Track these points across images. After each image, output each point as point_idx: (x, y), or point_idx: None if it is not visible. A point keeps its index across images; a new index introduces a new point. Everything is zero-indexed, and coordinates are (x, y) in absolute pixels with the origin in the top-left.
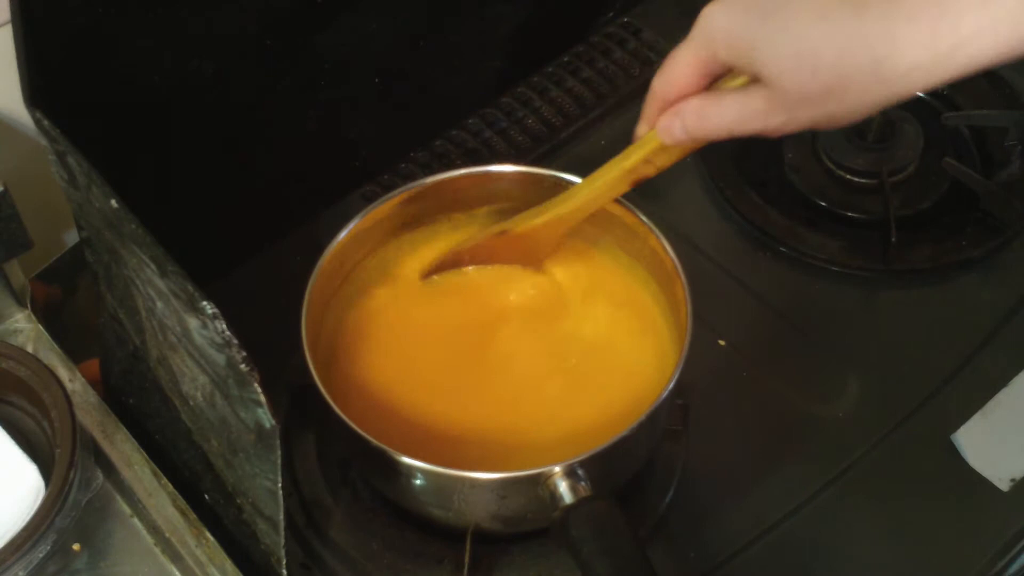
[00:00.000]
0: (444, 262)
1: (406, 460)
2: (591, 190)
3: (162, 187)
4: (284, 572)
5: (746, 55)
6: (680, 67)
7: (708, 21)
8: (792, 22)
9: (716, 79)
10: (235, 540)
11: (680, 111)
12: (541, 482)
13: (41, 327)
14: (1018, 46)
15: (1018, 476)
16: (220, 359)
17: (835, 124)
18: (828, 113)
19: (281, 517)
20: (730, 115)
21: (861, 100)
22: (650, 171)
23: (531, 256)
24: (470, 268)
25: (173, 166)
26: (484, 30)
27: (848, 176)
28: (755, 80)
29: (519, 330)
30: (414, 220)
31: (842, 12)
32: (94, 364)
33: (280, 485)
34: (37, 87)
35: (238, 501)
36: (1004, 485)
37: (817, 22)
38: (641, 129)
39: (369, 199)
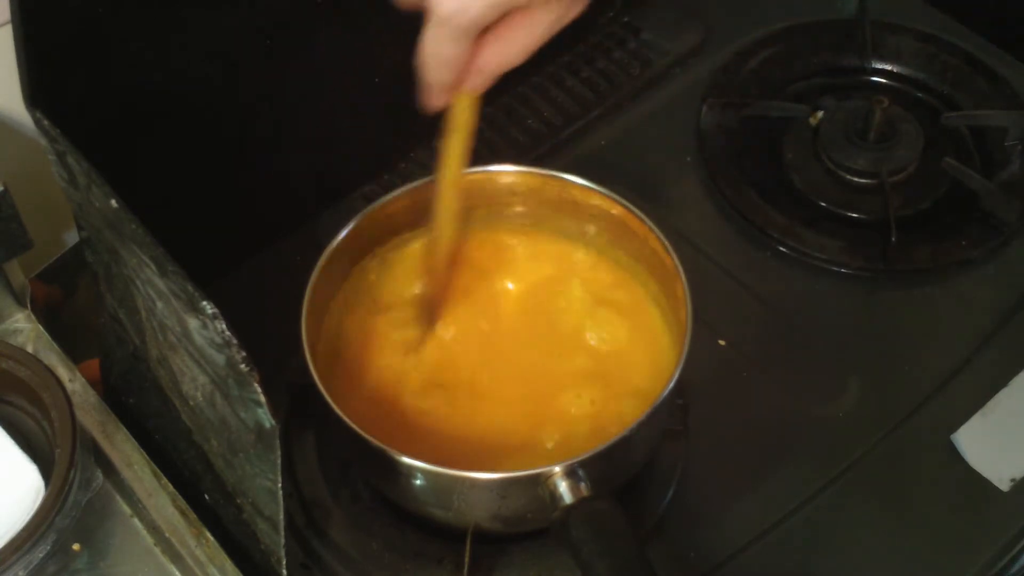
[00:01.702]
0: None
1: (406, 460)
2: (455, 168)
3: (162, 187)
4: (284, 572)
5: None
6: (446, 58)
7: None
8: None
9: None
10: (235, 540)
11: (481, 69)
12: (541, 482)
13: (41, 327)
14: None
15: (1018, 476)
16: (220, 359)
17: None
18: None
19: (281, 517)
20: (528, 43)
21: None
22: (476, 117)
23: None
24: (468, 271)
25: (173, 166)
26: None
27: (848, 176)
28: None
29: (518, 330)
30: (414, 220)
31: None
32: (94, 364)
33: (280, 485)
34: (37, 87)
35: (238, 501)
36: (1004, 485)
37: None
38: (437, 103)
39: (369, 199)
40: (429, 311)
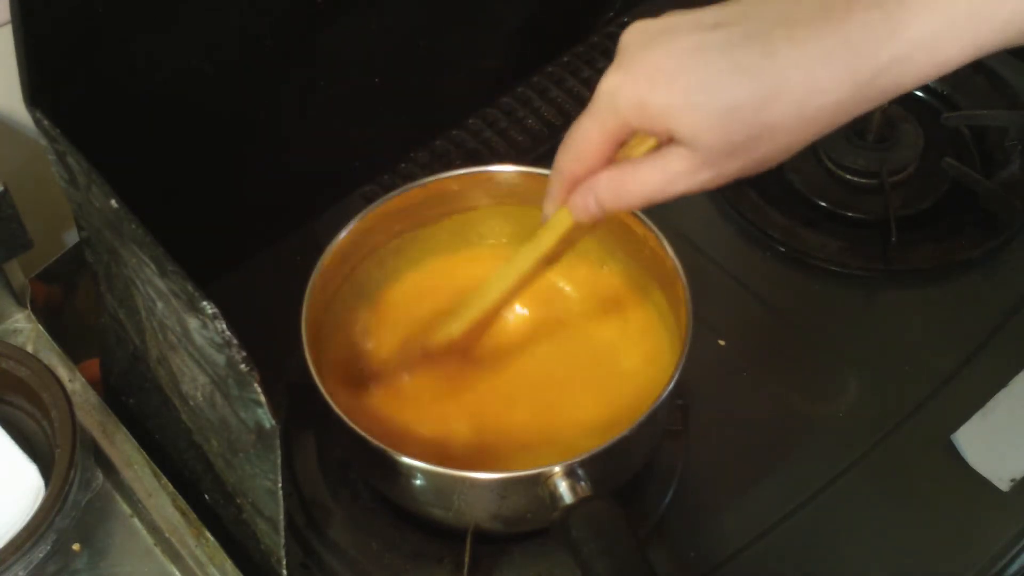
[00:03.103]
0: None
1: (406, 460)
2: (507, 283)
3: (162, 187)
4: (284, 572)
5: (660, 120)
6: (587, 141)
7: (611, 93)
8: (704, 80)
9: (623, 145)
10: (235, 540)
11: (593, 187)
12: (541, 482)
13: (41, 327)
14: (939, 70)
15: (1018, 476)
16: (220, 359)
17: (765, 167)
18: (757, 159)
19: (281, 517)
20: (651, 183)
21: (789, 142)
22: (566, 248)
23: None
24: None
25: (173, 166)
26: (484, 30)
27: (848, 176)
28: (668, 141)
29: (519, 330)
30: (414, 220)
31: (752, 58)
32: (94, 364)
33: (280, 485)
34: (37, 87)
35: (238, 501)
36: (1004, 485)
37: (731, 75)
38: (549, 208)
39: (369, 199)
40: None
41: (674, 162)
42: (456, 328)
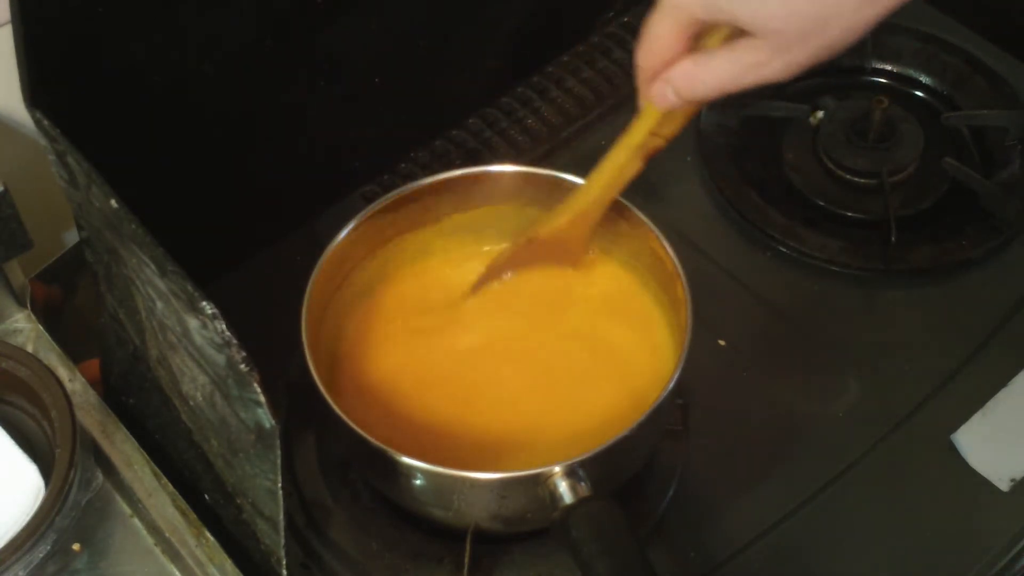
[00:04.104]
0: (486, 276)
1: (406, 460)
2: (606, 176)
3: (162, 187)
4: (284, 572)
5: (727, 11)
6: (659, 35)
7: None
8: None
9: (698, 37)
10: (235, 540)
11: (669, 77)
12: (541, 482)
13: (41, 327)
14: None
15: (1018, 476)
16: (220, 359)
17: (835, 51)
18: (826, 44)
19: (281, 517)
20: (722, 74)
21: (855, 21)
22: (659, 143)
23: (565, 256)
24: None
25: (173, 166)
26: (484, 30)
27: (848, 176)
28: (739, 32)
29: (519, 330)
30: (415, 220)
31: None
32: (94, 364)
33: (280, 485)
34: (37, 87)
35: (238, 501)
36: (1004, 485)
37: None
38: (641, 103)
39: (369, 199)
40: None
41: (745, 54)
42: (561, 220)
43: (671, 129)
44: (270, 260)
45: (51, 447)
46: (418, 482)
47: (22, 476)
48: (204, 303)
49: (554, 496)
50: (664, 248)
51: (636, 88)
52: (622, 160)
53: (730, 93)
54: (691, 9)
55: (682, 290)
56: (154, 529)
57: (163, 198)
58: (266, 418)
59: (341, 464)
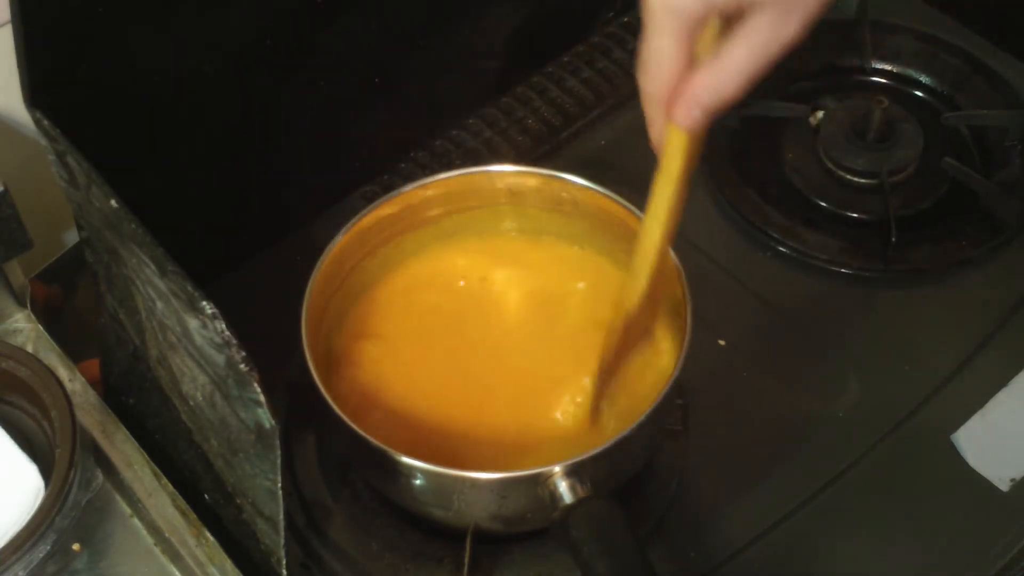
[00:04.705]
0: (600, 381)
1: (406, 460)
2: (662, 222)
3: (162, 187)
4: (284, 572)
5: None
6: (660, 50)
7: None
8: None
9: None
10: (235, 540)
11: (692, 96)
12: (541, 482)
13: (41, 327)
14: None
15: (1018, 476)
16: (220, 359)
17: None
18: None
19: (281, 517)
20: (742, 62)
21: None
22: (694, 165)
23: (650, 322)
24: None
25: (173, 166)
26: (484, 30)
27: (848, 176)
28: (736, 16)
29: (519, 330)
30: (414, 220)
31: None
32: (94, 364)
33: (280, 485)
34: (37, 87)
35: (238, 501)
36: (1004, 485)
37: None
38: (655, 134)
39: (369, 199)
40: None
41: (754, 32)
42: (641, 285)
43: (699, 147)
44: (270, 260)
45: (51, 447)
46: (418, 482)
47: (22, 476)
48: (204, 303)
49: (554, 496)
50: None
51: (647, 120)
52: (672, 195)
53: (756, 79)
54: (687, 9)
55: (682, 290)
56: (154, 529)
57: (163, 198)
58: (266, 418)
59: (341, 464)
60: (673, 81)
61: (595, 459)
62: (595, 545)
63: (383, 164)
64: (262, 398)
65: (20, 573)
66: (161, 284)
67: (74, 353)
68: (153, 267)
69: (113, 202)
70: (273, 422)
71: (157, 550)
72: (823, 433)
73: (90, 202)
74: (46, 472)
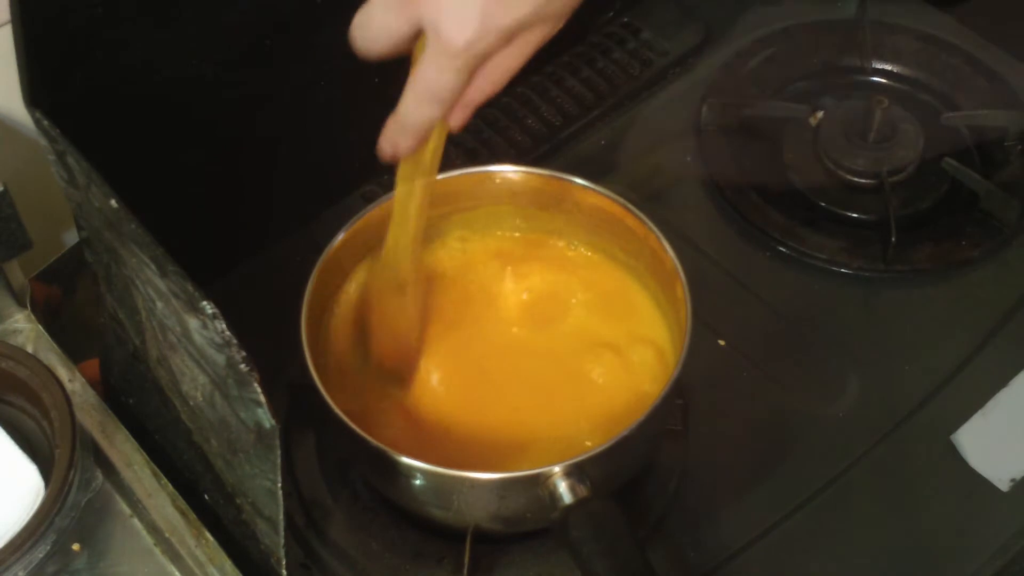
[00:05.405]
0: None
1: (406, 460)
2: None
3: (162, 187)
4: (284, 572)
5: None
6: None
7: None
8: None
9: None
10: (235, 540)
11: (467, 102)
12: (541, 482)
13: (41, 327)
14: None
15: (1018, 476)
16: (220, 359)
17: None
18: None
19: (281, 517)
20: (523, 56)
21: None
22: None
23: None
24: (468, 272)
25: (173, 166)
26: None
27: (848, 176)
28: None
29: (519, 330)
30: None
31: None
32: (94, 364)
33: (280, 485)
34: (37, 87)
35: (238, 501)
36: (1004, 485)
37: None
38: (410, 143)
39: (369, 199)
40: (400, 366)
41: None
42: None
43: (436, 152)
44: (270, 260)
45: (51, 447)
46: (418, 482)
47: (22, 476)
48: (204, 303)
49: (554, 496)
50: (664, 248)
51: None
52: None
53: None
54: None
55: (682, 290)
56: (154, 529)
57: (163, 198)
58: (266, 418)
59: (341, 464)
60: (448, 110)
61: (595, 459)
62: (595, 545)
63: (383, 164)
64: (262, 398)
65: (20, 573)
66: (161, 284)
67: (74, 353)
68: (153, 267)
69: (113, 202)
70: (273, 422)
71: (157, 550)
72: (823, 433)
73: (90, 202)
74: (46, 472)
